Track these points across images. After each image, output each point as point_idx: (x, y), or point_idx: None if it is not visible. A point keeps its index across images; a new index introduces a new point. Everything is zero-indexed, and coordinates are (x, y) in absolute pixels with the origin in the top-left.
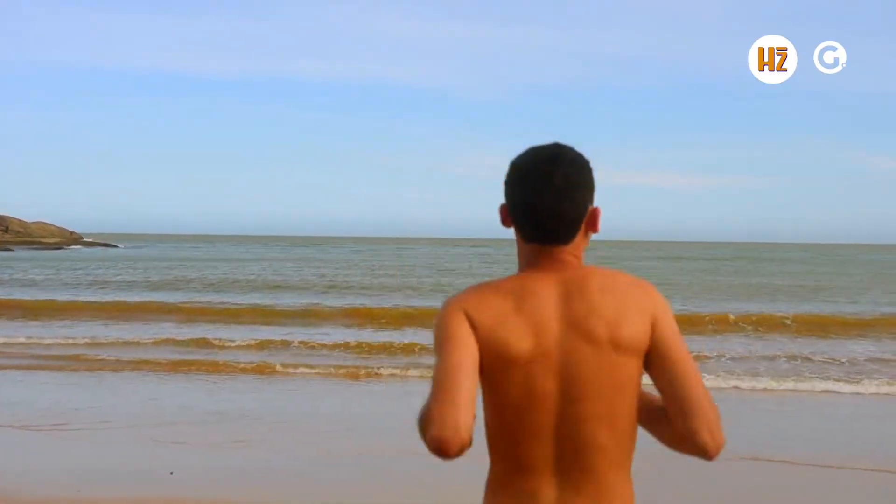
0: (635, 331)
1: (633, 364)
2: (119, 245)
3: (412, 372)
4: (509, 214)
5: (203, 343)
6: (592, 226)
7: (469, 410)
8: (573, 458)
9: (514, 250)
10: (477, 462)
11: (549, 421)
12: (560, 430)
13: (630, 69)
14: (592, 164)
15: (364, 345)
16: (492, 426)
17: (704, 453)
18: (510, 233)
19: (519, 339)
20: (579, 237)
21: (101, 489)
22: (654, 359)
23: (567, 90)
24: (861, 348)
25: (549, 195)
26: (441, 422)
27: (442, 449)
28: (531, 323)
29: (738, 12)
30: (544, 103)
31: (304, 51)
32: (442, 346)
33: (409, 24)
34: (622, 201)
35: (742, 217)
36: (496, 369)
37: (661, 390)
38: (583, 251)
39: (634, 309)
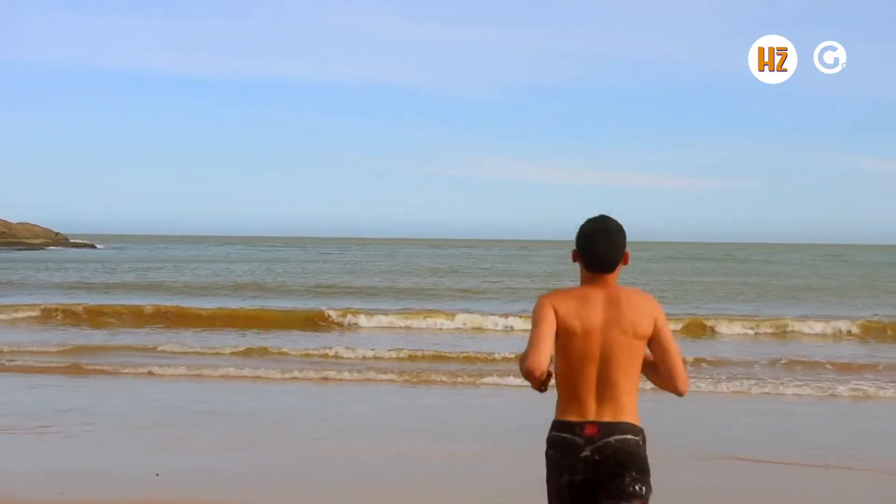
0: (645, 326)
1: (641, 344)
2: (99, 246)
3: (394, 376)
4: (579, 257)
5: (185, 346)
6: (625, 262)
7: (546, 356)
8: (604, 388)
9: (500, 251)
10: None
11: (591, 367)
12: (601, 372)
13: (629, 69)
14: (590, 165)
15: (350, 350)
16: (560, 373)
17: (678, 393)
18: (501, 233)
19: (579, 324)
20: (618, 269)
21: (85, 491)
22: (653, 341)
23: (566, 90)
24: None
25: (603, 248)
26: (531, 359)
27: (530, 372)
28: (586, 316)
29: (738, 12)
30: (543, 103)
31: (297, 52)
32: (536, 321)
33: (404, 25)
34: (620, 201)
35: (733, 218)
36: (565, 339)
37: (656, 357)
38: (618, 274)
39: (645, 314)
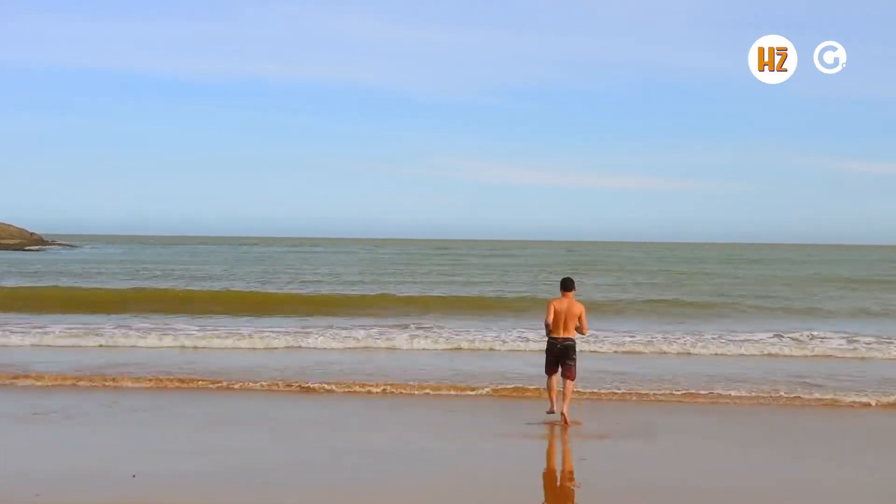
0: (578, 312)
1: (577, 316)
2: (45, 245)
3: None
4: (560, 286)
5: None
6: (574, 289)
7: (551, 319)
8: (565, 328)
9: (454, 249)
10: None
11: (561, 322)
12: (564, 323)
13: (616, 72)
14: (580, 165)
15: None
16: (551, 322)
17: (584, 334)
18: (478, 233)
19: (558, 309)
20: (572, 292)
21: (61, 493)
22: (579, 318)
23: (549, 93)
24: None
25: (567, 286)
26: (547, 319)
27: (547, 325)
28: (560, 307)
29: (738, 12)
30: (522, 106)
31: (271, 53)
32: (547, 307)
33: (379, 26)
34: (607, 203)
35: (723, 219)
36: (554, 314)
37: (579, 322)
38: (573, 294)
39: (578, 307)
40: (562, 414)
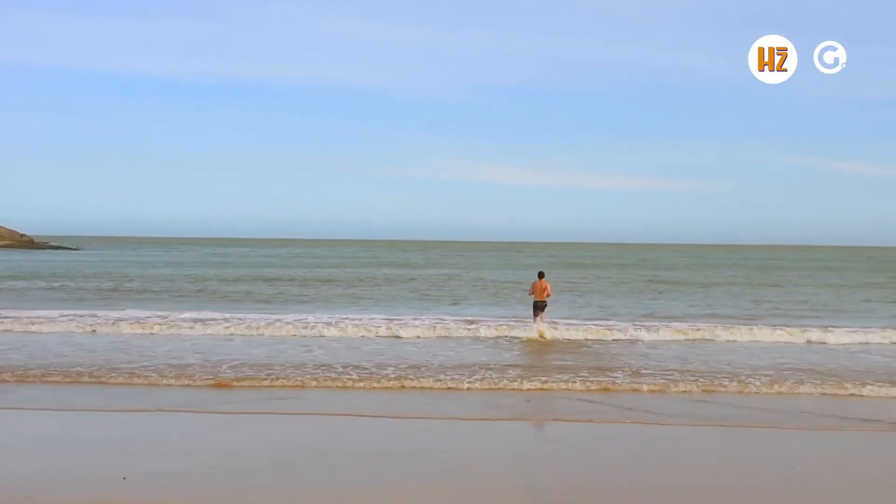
0: (547, 287)
1: (548, 290)
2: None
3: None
4: (537, 275)
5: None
6: (545, 276)
7: (532, 290)
8: (541, 294)
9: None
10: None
11: (538, 291)
12: (542, 292)
13: (622, 71)
14: (573, 167)
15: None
16: (534, 292)
17: (550, 296)
18: (464, 234)
19: (536, 285)
20: (544, 278)
21: (51, 494)
22: (547, 289)
23: (536, 92)
24: None
25: (540, 274)
26: (531, 292)
27: (531, 294)
28: (537, 286)
29: (737, 12)
30: (508, 105)
31: (255, 53)
32: (532, 285)
33: (364, 26)
34: (590, 203)
35: (707, 220)
36: (535, 288)
37: (547, 291)
38: (545, 279)
39: (547, 284)
40: (540, 325)
